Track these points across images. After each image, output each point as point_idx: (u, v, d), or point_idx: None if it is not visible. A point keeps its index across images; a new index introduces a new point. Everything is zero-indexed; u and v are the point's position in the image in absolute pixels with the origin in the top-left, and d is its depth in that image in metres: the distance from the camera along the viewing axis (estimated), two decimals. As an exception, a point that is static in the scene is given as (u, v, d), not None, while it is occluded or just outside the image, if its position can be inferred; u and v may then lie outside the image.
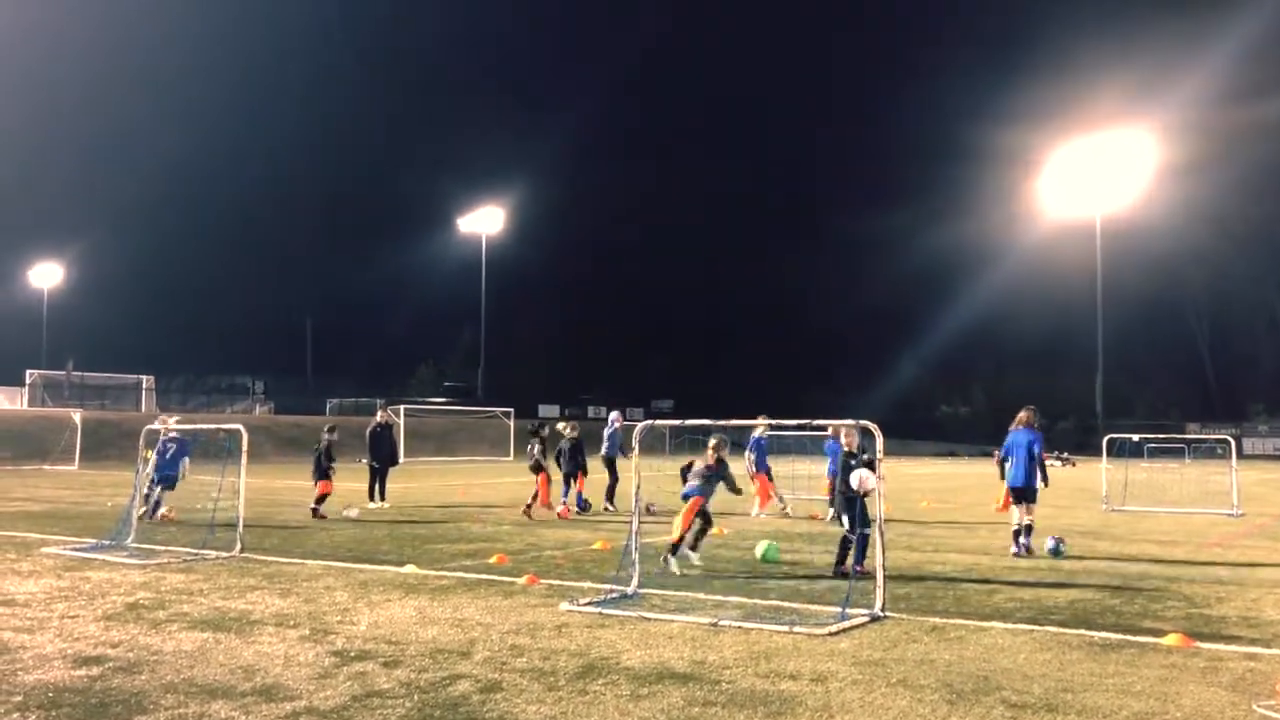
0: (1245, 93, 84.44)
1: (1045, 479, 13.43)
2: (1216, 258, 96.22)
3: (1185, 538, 15.32)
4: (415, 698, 5.93)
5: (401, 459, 46.45)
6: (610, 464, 19.72)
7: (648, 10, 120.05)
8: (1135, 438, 26.67)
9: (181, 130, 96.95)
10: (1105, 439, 23.89)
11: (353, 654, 7.03)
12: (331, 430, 19.13)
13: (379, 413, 22.09)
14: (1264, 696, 6.03)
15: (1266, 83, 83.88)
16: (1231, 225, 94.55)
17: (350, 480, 22.65)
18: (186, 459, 17.81)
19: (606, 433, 20.25)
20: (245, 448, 13.13)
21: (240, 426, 13.36)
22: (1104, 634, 7.90)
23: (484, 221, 78.25)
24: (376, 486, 20.55)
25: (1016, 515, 13.31)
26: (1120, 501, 21.26)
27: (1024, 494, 13.30)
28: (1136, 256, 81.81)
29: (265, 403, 73.79)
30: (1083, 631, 7.99)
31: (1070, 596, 9.73)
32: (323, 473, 18.10)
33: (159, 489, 17.00)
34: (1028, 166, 73.73)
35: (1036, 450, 13.37)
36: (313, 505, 17.79)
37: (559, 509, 18.19)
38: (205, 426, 17.15)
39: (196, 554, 12.34)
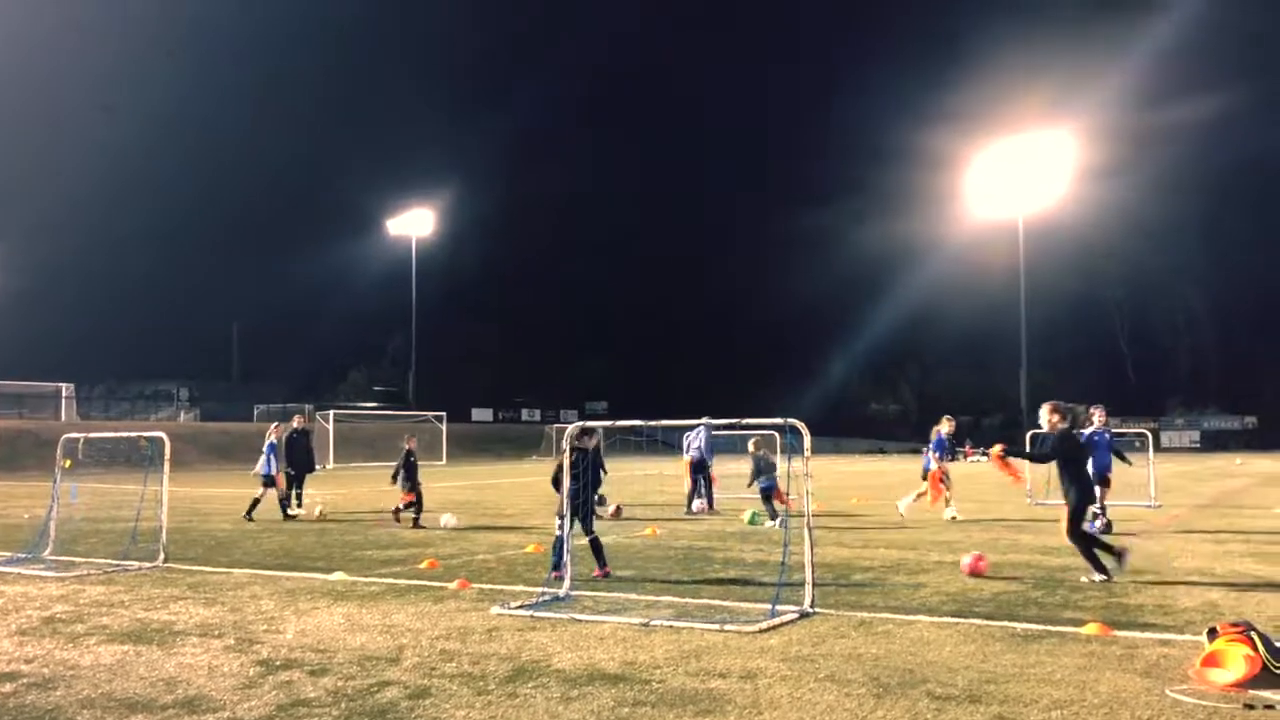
0: (1158, 96, 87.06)
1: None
2: (1135, 257, 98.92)
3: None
4: (343, 705, 5.86)
5: (331, 464, 46.08)
6: (702, 467, 19.84)
7: (583, 13, 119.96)
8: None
9: (102, 132, 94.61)
10: (1029, 435, 24.39)
11: (279, 663, 6.93)
12: (411, 438, 18.70)
13: (296, 419, 21.84)
14: (1176, 681, 6.21)
15: (1177, 86, 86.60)
16: (1148, 225, 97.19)
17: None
18: (271, 457, 19.40)
19: (703, 438, 20.02)
20: (168, 455, 12.89)
21: (162, 434, 13.10)
22: (1026, 625, 8.06)
23: (414, 224, 77.52)
24: (293, 493, 20.33)
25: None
26: (1044, 495, 21.66)
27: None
28: (1058, 256, 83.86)
29: (191, 410, 72.35)
30: (1006, 623, 8.15)
31: (995, 589, 9.92)
32: (411, 483, 17.70)
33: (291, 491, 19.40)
34: (953, 168, 75.05)
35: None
36: (397, 509, 17.68)
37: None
38: (126, 434, 16.77)
39: (118, 565, 12.06)
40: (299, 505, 20.25)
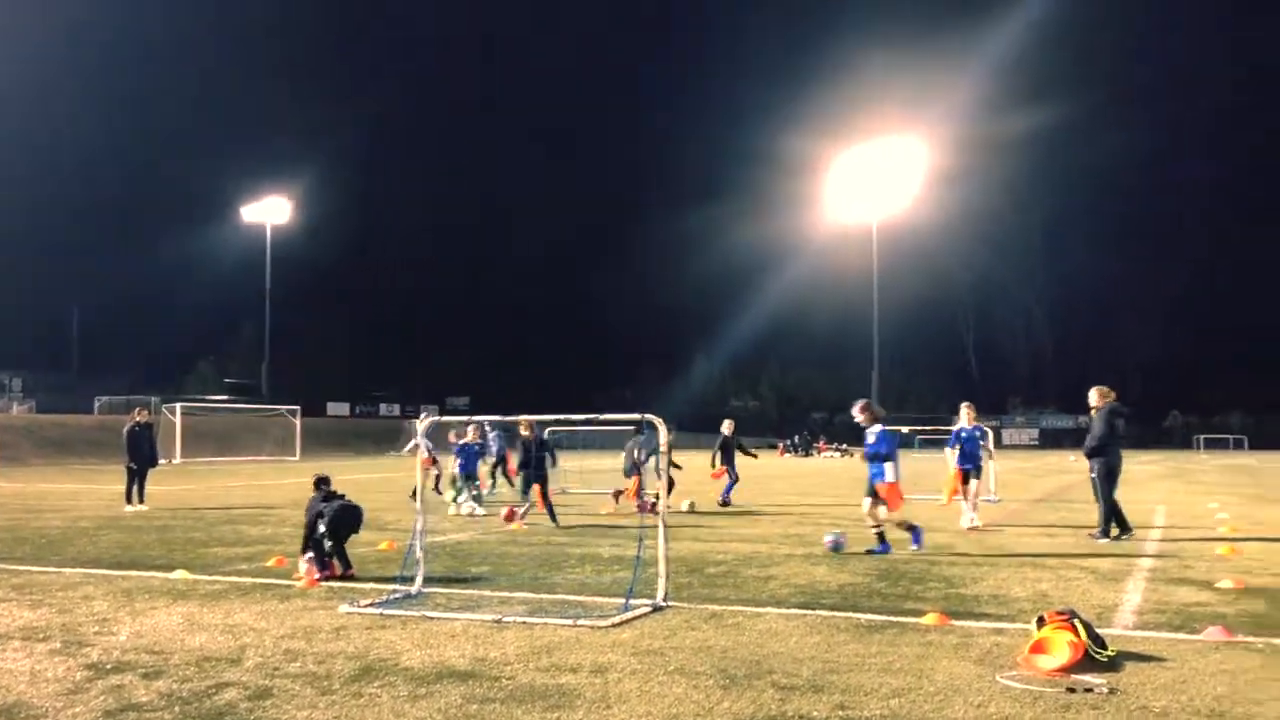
0: (1001, 106, 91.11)
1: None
2: (980, 262, 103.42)
3: (947, 523, 16.27)
4: (177, 709, 5.64)
5: (179, 459, 44.30)
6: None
7: (442, 7, 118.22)
8: (905, 429, 28.31)
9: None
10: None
11: (109, 666, 6.61)
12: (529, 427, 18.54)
13: (136, 412, 20.93)
14: (1007, 668, 6.50)
15: (1018, 97, 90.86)
16: (993, 231, 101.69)
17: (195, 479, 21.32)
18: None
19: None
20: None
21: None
22: (870, 616, 8.31)
23: (269, 211, 75.08)
24: (134, 489, 19.55)
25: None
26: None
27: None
28: (909, 260, 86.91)
29: (25, 401, 68.52)
30: (850, 614, 8.38)
31: (841, 580, 10.20)
32: (636, 469, 17.93)
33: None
34: (812, 172, 76.91)
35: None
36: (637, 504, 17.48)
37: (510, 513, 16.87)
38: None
39: (-65, 566, 11.32)
40: (141, 502, 19.44)
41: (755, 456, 21.87)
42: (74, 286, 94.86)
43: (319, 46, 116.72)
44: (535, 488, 16.18)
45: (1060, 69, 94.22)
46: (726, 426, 21.40)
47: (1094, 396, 14.67)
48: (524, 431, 16.87)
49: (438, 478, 21.00)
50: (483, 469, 20.05)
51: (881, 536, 12.43)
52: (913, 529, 12.60)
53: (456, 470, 18.74)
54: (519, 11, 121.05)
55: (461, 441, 18.97)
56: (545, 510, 15.99)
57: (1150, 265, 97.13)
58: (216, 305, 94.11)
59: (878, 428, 12.60)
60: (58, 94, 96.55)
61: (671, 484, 19.01)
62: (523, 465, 16.69)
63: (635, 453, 18.16)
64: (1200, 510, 19.59)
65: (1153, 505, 20.52)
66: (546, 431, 20.28)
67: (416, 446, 20.11)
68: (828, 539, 12.69)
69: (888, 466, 12.30)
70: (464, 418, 18.40)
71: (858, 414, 12.87)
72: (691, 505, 18.84)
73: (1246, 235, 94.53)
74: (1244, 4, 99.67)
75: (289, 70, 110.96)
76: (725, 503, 20.15)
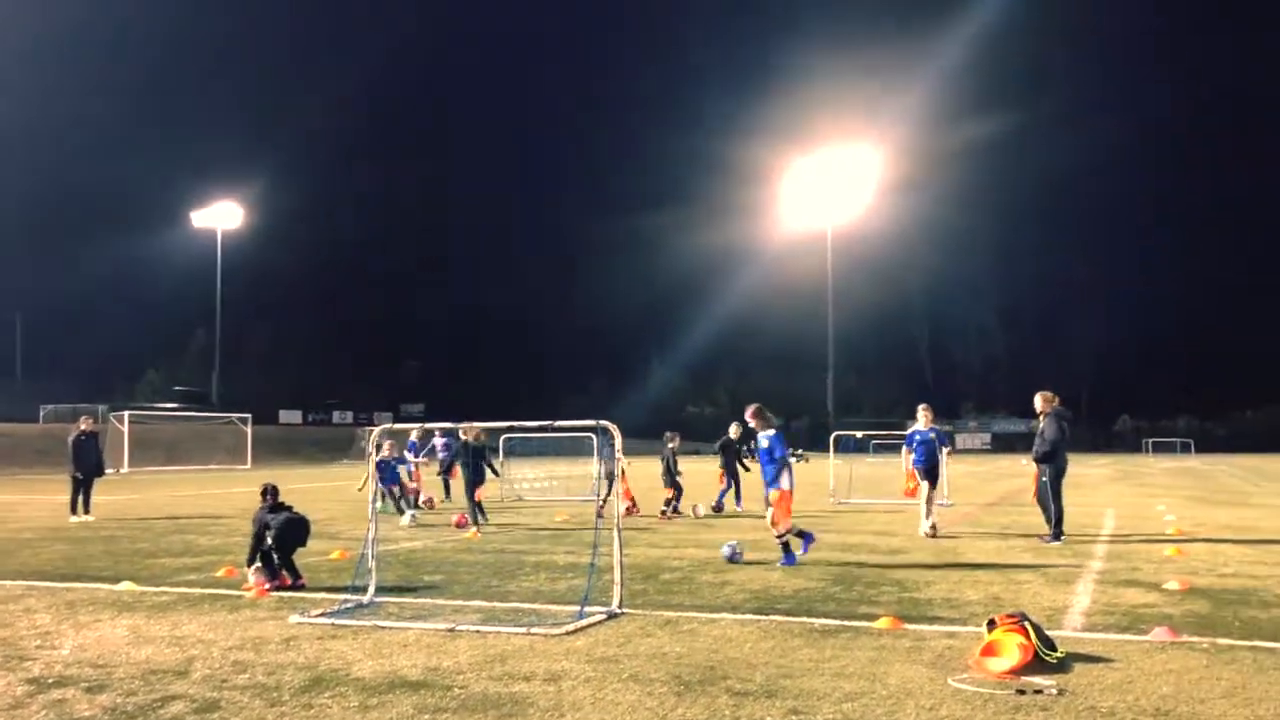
0: (952, 115, 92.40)
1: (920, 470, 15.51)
2: (933, 268, 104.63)
3: (902, 527, 16.43)
4: (120, 724, 5.52)
5: (126, 468, 43.58)
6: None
7: (395, 12, 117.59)
8: (859, 434, 28.53)
9: None
10: (833, 436, 25.38)
11: (51, 681, 6.47)
12: (673, 439, 20.14)
13: (82, 421, 20.51)
14: (958, 670, 6.55)
15: (969, 107, 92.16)
16: (945, 238, 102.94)
17: (136, 490, 20.92)
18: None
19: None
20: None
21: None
22: (824, 620, 8.34)
23: (220, 217, 74.14)
24: (80, 499, 19.17)
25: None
26: (847, 494, 22.58)
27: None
28: (864, 266, 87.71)
29: (-35, 409, 67.04)
30: (805, 619, 8.40)
31: (796, 586, 10.23)
32: (672, 479, 19.11)
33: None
34: (767, 180, 77.42)
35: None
36: (664, 508, 18.78)
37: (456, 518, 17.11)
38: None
39: None
40: (86, 512, 19.08)
41: (748, 470, 21.36)
42: (19, 293, 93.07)
43: (269, 52, 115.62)
44: (479, 488, 16.97)
45: (1012, 78, 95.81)
46: (733, 430, 20.73)
47: (1039, 402, 14.88)
48: (465, 436, 17.33)
49: (381, 492, 19.80)
50: (409, 483, 20.06)
51: (786, 547, 11.97)
52: (789, 544, 11.94)
53: (382, 486, 18.56)
54: (472, 17, 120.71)
55: (380, 456, 18.47)
56: (474, 508, 16.66)
57: (1101, 272, 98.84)
58: (166, 312, 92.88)
59: (771, 432, 12.15)
60: (3, 97, 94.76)
61: (680, 490, 19.11)
62: (465, 468, 17.16)
63: (618, 458, 18.12)
64: (1148, 512, 19.92)
65: (1102, 508, 20.83)
66: (501, 439, 20.26)
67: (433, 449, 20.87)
68: (724, 550, 12.24)
69: (782, 474, 11.95)
70: (414, 424, 18.55)
71: (749, 419, 12.28)
72: (692, 509, 18.87)
73: (1195, 244, 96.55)
74: (1195, 15, 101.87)
75: (240, 75, 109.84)
76: (718, 508, 19.74)
